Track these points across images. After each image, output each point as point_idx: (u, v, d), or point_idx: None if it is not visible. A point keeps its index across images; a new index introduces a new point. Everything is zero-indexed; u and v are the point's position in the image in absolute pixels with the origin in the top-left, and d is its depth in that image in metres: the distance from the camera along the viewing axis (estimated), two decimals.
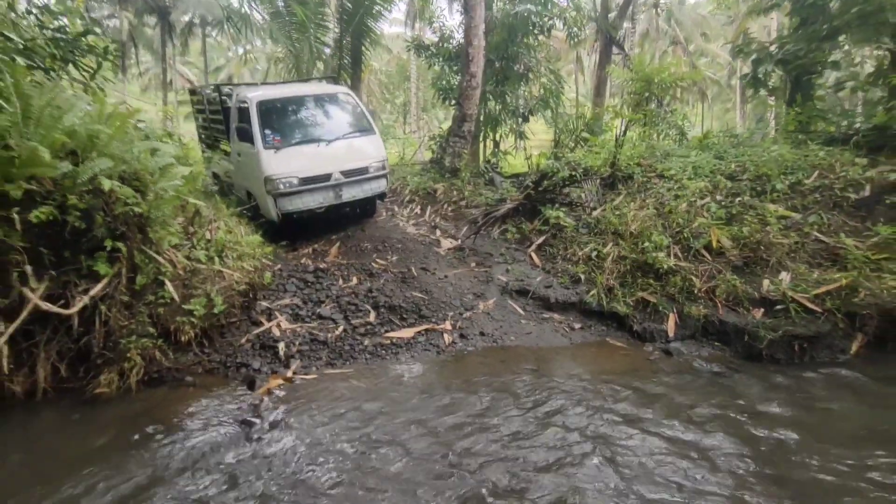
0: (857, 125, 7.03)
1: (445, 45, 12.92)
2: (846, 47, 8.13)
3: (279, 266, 6.25)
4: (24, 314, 3.74)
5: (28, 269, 3.78)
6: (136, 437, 3.55)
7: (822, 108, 7.91)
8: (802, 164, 6.29)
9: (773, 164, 6.30)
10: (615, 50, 14.04)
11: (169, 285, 4.59)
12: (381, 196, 7.86)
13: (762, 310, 4.98)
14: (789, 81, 8.44)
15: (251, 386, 4.19)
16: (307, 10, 12.43)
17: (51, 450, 3.49)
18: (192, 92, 10.39)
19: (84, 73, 6.10)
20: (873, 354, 4.70)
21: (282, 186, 6.66)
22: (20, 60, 4.83)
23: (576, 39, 12.08)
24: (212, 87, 9.30)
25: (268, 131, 6.86)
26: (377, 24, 14.50)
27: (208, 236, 5.37)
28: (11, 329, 3.66)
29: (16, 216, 3.55)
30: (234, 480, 3.07)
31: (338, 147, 7.11)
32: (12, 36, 4.88)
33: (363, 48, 14.87)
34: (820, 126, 7.76)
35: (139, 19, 25.97)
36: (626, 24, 21.19)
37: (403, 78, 27.15)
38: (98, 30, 7.21)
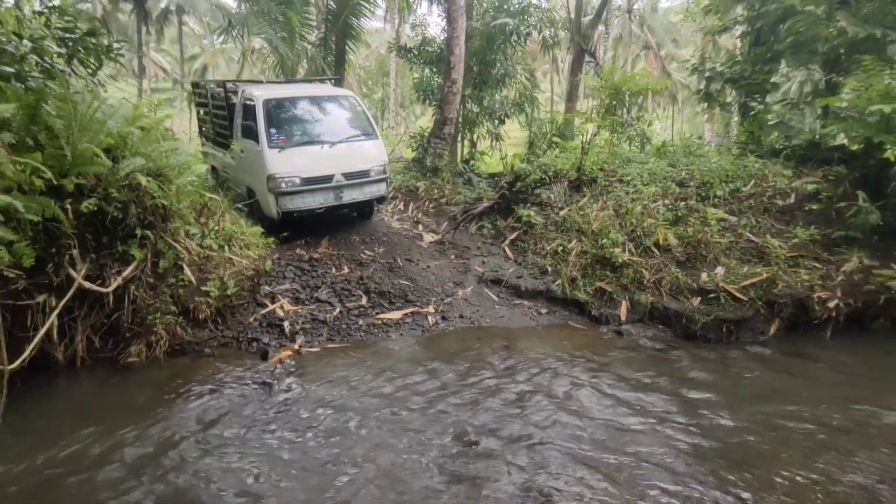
0: (790, 140, 8.10)
1: (427, 48, 13.67)
2: (785, 70, 9.22)
3: (276, 255, 6.94)
4: (70, 291, 4.39)
5: (74, 252, 4.43)
6: (172, 395, 4.25)
7: (768, 123, 8.97)
8: (741, 173, 7.30)
9: (716, 173, 7.29)
10: (587, 58, 15.00)
11: (187, 270, 5.28)
12: (381, 199, 8.09)
13: (699, 298, 5.95)
14: (739, 98, 9.52)
15: (264, 356, 4.93)
16: (294, 9, 12.98)
17: (97, 405, 4.16)
18: (196, 85, 10.49)
19: (88, 70, 6.64)
20: (787, 336, 5.75)
21: (284, 185, 6.86)
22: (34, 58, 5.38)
23: (551, 48, 12.95)
24: (216, 82, 9.42)
25: (273, 130, 7.07)
26: (360, 23, 15.17)
27: (217, 227, 6.05)
28: (62, 304, 4.31)
29: (69, 207, 4.20)
30: (263, 426, 3.81)
31: (341, 149, 7.32)
32: (23, 36, 5.33)
33: (347, 47, 15.51)
34: (769, 139, 8.85)
35: (114, 5, 25.82)
36: (600, 28, 22.30)
37: (382, 73, 27.72)
38: (104, 30, 7.73)
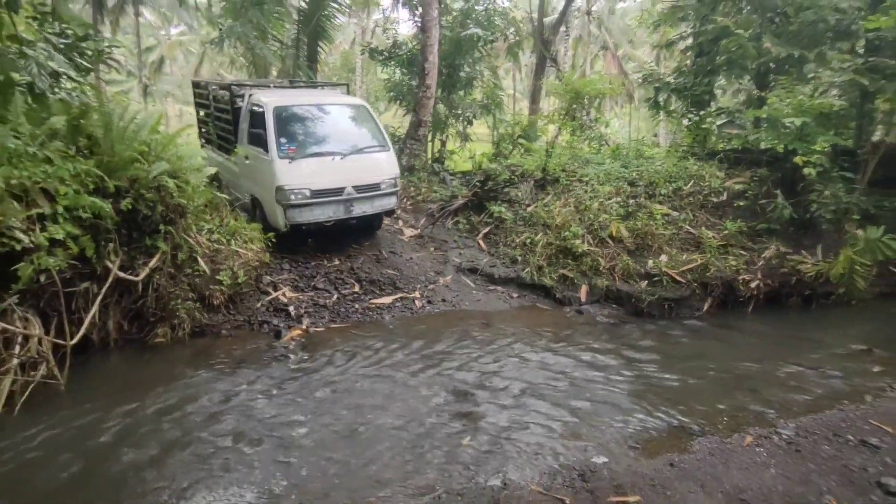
0: (726, 145, 9.41)
1: (397, 51, 14.50)
2: (722, 82, 10.55)
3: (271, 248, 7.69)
4: (109, 280, 5.09)
5: (110, 246, 5.13)
6: (205, 367, 5.02)
7: (707, 129, 10.26)
8: (683, 174, 8.52)
9: (661, 174, 8.48)
10: (549, 62, 16.16)
11: (201, 261, 6.01)
12: (391, 212, 8.01)
13: (646, 281, 7.09)
14: (683, 106, 10.80)
15: (277, 335, 5.74)
16: (265, 10, 13.51)
17: (142, 376, 4.87)
18: (196, 85, 10.11)
19: (82, 74, 7.17)
20: (717, 311, 6.96)
21: (293, 198, 6.75)
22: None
23: (515, 55, 13.99)
24: (220, 83, 9.13)
25: (283, 139, 6.90)
26: (332, 23, 15.85)
27: (222, 223, 6.77)
28: (104, 291, 5.01)
29: (110, 206, 4.90)
30: (290, 385, 4.65)
31: (352, 161, 7.19)
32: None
33: (319, 47, 16.17)
34: (708, 143, 10.13)
35: None
36: (561, 29, 23.61)
37: (347, 70, 28.23)
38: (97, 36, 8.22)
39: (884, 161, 8.03)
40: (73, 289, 4.92)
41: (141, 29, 30.47)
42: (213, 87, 8.98)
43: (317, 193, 6.91)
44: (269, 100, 7.21)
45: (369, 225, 8.10)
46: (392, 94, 15.14)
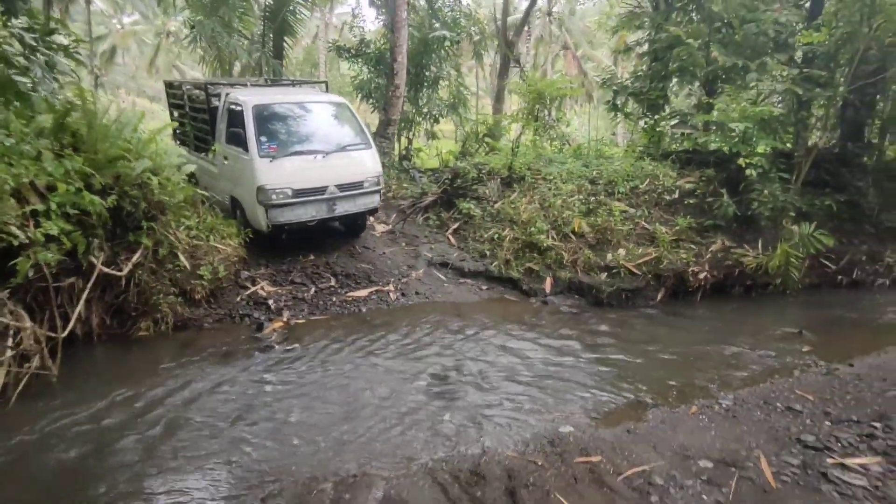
0: (678, 147, 10.12)
1: (365, 49, 14.72)
2: (675, 87, 11.28)
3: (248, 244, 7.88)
4: (94, 275, 5.23)
5: (95, 242, 5.27)
6: (192, 357, 5.24)
7: (661, 132, 10.97)
8: (639, 174, 9.15)
9: (619, 173, 9.09)
10: (513, 63, 16.71)
11: (181, 257, 6.19)
12: (373, 211, 8.03)
13: (605, 273, 7.65)
14: (640, 109, 11.48)
15: (259, 328, 5.99)
16: (231, 3, 13.46)
17: (130, 368, 5.06)
18: (170, 85, 9.97)
19: (49, 67, 7.17)
20: (669, 300, 7.59)
21: (275, 197, 6.72)
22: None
23: (480, 56, 14.45)
24: (194, 83, 9.02)
25: (263, 138, 6.85)
26: (297, 18, 15.92)
27: (200, 220, 6.93)
28: (89, 285, 5.15)
29: (98, 202, 5.05)
30: (278, 373, 4.94)
31: (335, 159, 7.17)
32: None
33: (284, 42, 16.21)
34: (665, 144, 10.84)
35: None
36: (524, 29, 24.25)
37: (310, 65, 28.10)
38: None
39: (816, 163, 8.87)
40: (59, 284, 5.06)
41: (91, 17, 29.44)
42: (188, 86, 8.90)
43: (299, 193, 6.89)
44: (247, 98, 7.17)
45: (353, 225, 8.18)
46: (359, 91, 15.37)
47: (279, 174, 6.80)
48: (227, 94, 7.57)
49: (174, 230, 6.32)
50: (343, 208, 7.35)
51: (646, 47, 12.10)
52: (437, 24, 12.87)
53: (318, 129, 7.55)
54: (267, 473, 3.42)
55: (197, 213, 6.87)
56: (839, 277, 8.29)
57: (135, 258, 5.68)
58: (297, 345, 5.60)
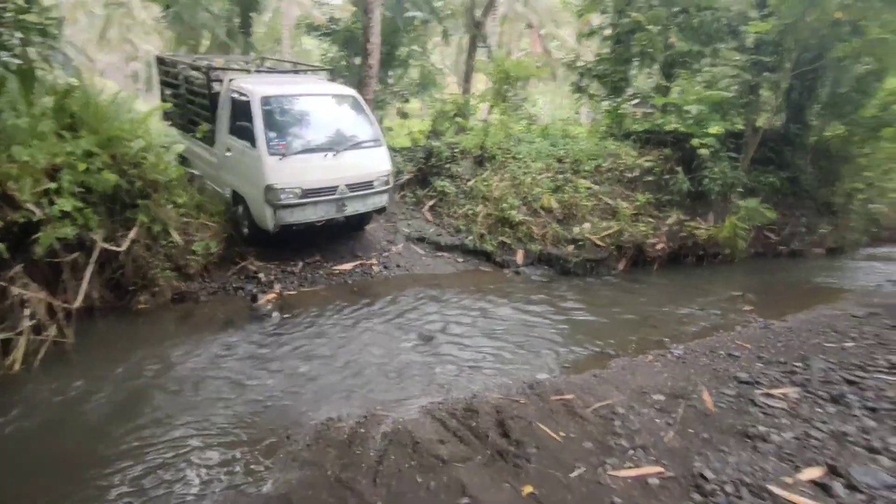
0: (638, 127, 10.86)
1: (334, 27, 14.86)
2: (635, 71, 11.98)
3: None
4: (97, 250, 5.54)
5: (96, 219, 5.56)
6: (194, 326, 5.64)
7: (624, 112, 11.68)
8: (602, 153, 9.84)
9: (585, 152, 9.76)
10: (481, 43, 17.10)
11: (174, 233, 6.51)
12: (381, 210, 7.80)
13: (572, 245, 8.34)
14: (605, 90, 12.14)
15: (254, 299, 6.41)
16: None
17: (135, 338, 5.43)
18: (162, 62, 9.27)
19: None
20: (630, 269, 8.36)
21: (284, 197, 6.44)
22: None
23: (446, 36, 14.81)
24: (191, 62, 8.41)
25: (272, 134, 6.53)
26: None
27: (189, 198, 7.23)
28: (93, 259, 5.46)
29: (109, 179, 5.33)
30: (277, 338, 5.41)
31: (346, 157, 6.90)
32: None
33: (250, 18, 16.15)
34: (627, 125, 11.55)
35: None
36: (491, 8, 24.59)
37: (273, 40, 27.67)
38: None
39: (763, 143, 9.74)
40: (62, 259, 5.35)
41: None
42: (183, 65, 8.46)
43: (309, 193, 6.62)
44: (255, 88, 6.80)
45: (358, 222, 7.99)
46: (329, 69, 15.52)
47: (289, 173, 6.50)
48: (231, 81, 7.24)
49: (167, 207, 6.64)
50: (353, 208, 7.12)
51: (609, 31, 12.73)
52: (407, 5, 13.14)
53: (328, 124, 7.21)
54: (286, 416, 3.94)
55: (185, 191, 7.17)
56: (780, 247, 9.25)
57: (132, 234, 5.98)
58: (292, 313, 6.06)
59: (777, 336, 5.35)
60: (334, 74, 15.33)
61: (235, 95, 7.02)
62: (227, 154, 7.12)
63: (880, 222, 10.32)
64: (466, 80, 17.35)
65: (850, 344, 4.89)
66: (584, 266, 8.13)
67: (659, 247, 8.46)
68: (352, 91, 7.94)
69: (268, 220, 6.59)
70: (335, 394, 4.31)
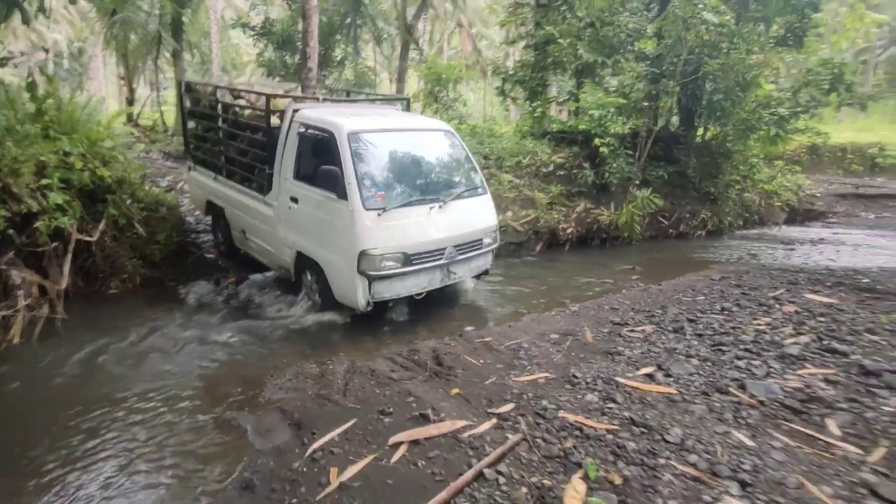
0: (554, 127, 12.50)
1: (271, 28, 15.60)
2: (551, 78, 13.66)
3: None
4: (73, 240, 6.29)
5: (70, 212, 6.31)
6: (168, 307, 6.53)
7: (541, 115, 13.28)
8: (522, 150, 11.35)
9: (507, 150, 11.23)
10: (413, 45, 18.32)
11: (137, 225, 7.32)
12: (484, 273, 6.77)
13: None
14: (525, 95, 13.73)
15: (217, 283, 7.33)
16: None
17: (119, 316, 6.25)
18: (189, 89, 8.08)
19: None
20: (546, 251, 9.89)
21: (384, 266, 5.20)
22: None
23: (379, 41, 15.93)
24: (235, 88, 7.08)
25: (367, 182, 5.24)
26: None
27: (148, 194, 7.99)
28: (71, 248, 6.22)
29: (97, 174, 6.10)
30: (236, 315, 6.41)
31: (451, 210, 5.72)
32: None
33: (182, 18, 16.54)
34: (544, 126, 13.16)
35: None
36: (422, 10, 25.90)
37: (202, 34, 27.60)
38: None
39: (656, 142, 11.59)
40: (44, 248, 6.09)
41: None
42: (222, 92, 7.17)
43: (413, 259, 5.44)
44: (339, 121, 5.48)
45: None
46: (264, 69, 16.24)
47: (389, 234, 5.25)
48: (296, 112, 5.98)
49: (130, 202, 7.42)
50: (459, 273, 6.03)
51: (529, 41, 14.33)
52: (343, 10, 14.14)
53: (429, 168, 6.04)
54: (269, 362, 5.03)
55: (144, 189, 7.95)
56: (670, 230, 11.12)
57: (101, 226, 6.77)
58: (248, 293, 7.05)
59: (651, 295, 6.93)
60: (273, 72, 16.14)
61: (312, 131, 5.74)
62: (293, 206, 5.87)
63: (752, 208, 12.47)
64: (400, 79, 18.53)
65: (701, 297, 6.53)
66: (507, 248, 9.56)
67: (569, 231, 10.04)
68: (446, 125, 6.84)
69: (358, 294, 5.33)
70: (304, 348, 5.44)
